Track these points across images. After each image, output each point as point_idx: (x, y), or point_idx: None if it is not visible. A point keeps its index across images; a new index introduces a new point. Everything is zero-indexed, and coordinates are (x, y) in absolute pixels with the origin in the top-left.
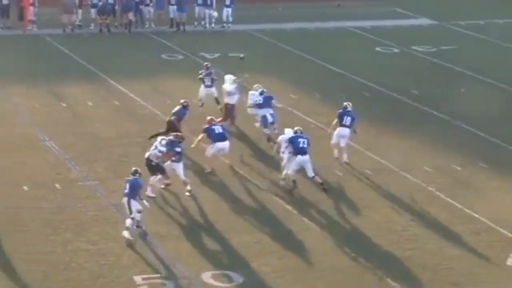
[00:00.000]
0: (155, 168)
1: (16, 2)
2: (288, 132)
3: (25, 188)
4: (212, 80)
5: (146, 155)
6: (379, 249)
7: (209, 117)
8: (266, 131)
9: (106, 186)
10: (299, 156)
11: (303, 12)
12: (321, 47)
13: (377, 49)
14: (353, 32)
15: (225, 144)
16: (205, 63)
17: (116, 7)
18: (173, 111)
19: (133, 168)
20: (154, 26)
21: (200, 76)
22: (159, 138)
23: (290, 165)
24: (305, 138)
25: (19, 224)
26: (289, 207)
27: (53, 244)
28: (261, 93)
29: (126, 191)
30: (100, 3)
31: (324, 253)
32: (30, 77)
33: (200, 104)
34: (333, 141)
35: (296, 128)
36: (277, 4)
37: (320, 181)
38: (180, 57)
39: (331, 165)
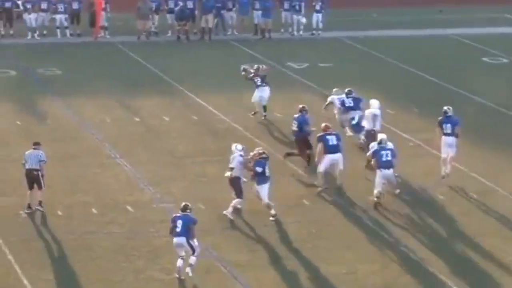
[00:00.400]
0: (235, 187)
1: (87, 7)
2: (373, 146)
3: (94, 210)
4: (265, 81)
5: (228, 174)
6: (491, 278)
7: (324, 124)
8: (361, 138)
9: None
10: (383, 170)
11: (400, 18)
12: (419, 56)
13: (484, 59)
14: (456, 40)
15: (338, 156)
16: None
17: (196, 12)
18: (294, 121)
19: (183, 204)
20: (236, 33)
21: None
22: (234, 144)
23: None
24: (389, 149)
25: (88, 249)
26: (383, 233)
27: (124, 273)
28: (348, 94)
29: (178, 229)
30: (178, 8)
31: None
32: (100, 88)
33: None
34: (442, 155)
35: (381, 137)
36: (369, 9)
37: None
38: (265, 67)
39: (435, 185)
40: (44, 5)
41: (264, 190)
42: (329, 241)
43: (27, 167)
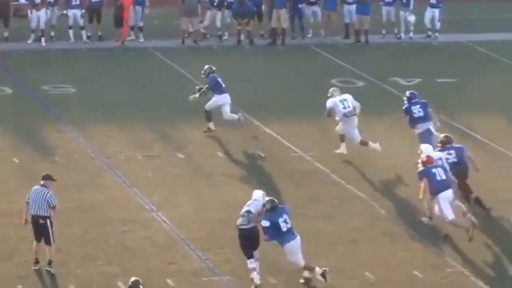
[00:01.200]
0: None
1: (116, 7)
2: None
3: (121, 285)
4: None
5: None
6: None
7: (424, 155)
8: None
9: (243, 283)
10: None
11: None
12: None
13: None
14: None
15: (449, 193)
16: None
17: (263, 6)
18: (450, 151)
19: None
20: (322, 34)
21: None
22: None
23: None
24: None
25: None
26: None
27: None
28: (410, 98)
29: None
30: (236, 0)
31: None
32: (128, 112)
33: None
34: None
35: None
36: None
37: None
38: (360, 83)
39: None
40: None
41: (294, 249)
42: None
43: (31, 211)
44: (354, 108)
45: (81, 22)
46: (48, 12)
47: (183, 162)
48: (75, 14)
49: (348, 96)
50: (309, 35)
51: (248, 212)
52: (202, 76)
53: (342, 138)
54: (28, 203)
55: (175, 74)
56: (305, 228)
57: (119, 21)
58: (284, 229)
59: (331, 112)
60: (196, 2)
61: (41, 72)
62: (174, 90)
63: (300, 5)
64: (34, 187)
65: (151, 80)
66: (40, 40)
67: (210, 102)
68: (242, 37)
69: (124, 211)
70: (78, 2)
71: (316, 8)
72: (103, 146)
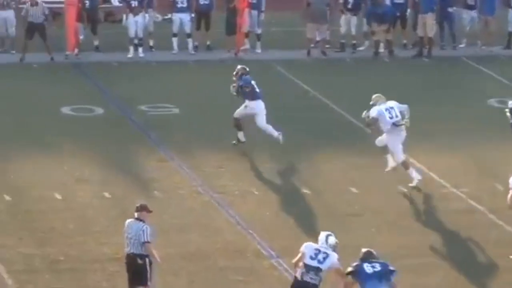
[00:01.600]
0: None
1: (228, 10)
2: None
3: None
4: None
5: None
6: None
7: None
8: None
9: None
10: None
11: None
12: None
13: None
14: None
15: None
16: None
17: (409, 10)
18: None
19: None
20: (479, 44)
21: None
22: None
23: None
24: None
25: None
26: None
27: None
28: None
29: None
30: (371, 1)
31: None
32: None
33: None
34: None
35: None
36: None
37: None
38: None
39: None
40: None
41: None
42: None
43: (126, 249)
44: (402, 113)
45: (188, 28)
46: (147, 16)
47: (309, 199)
48: (181, 18)
49: (394, 103)
50: (462, 45)
51: (317, 269)
52: (234, 79)
53: (405, 165)
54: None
55: (299, 91)
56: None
57: (231, 27)
58: None
59: (374, 123)
60: (324, 4)
61: (138, 88)
62: (299, 111)
63: (449, 9)
64: (128, 221)
65: (272, 99)
66: (137, 50)
67: (240, 109)
68: (381, 47)
69: (238, 258)
70: (185, 4)
71: (473, 13)
72: (212, 179)
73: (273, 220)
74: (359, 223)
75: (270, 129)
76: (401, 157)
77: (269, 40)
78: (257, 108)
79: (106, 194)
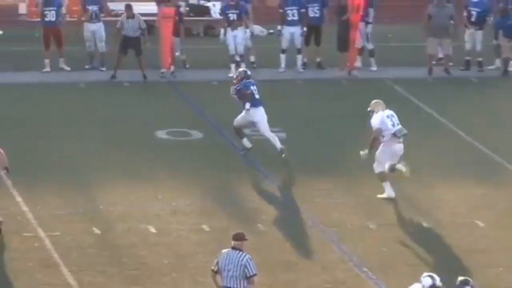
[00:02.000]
0: None
1: (336, 11)
2: None
3: None
4: None
5: None
6: None
7: None
8: None
9: None
10: None
11: None
12: None
13: None
14: None
15: None
16: None
17: None
18: None
19: None
20: None
21: None
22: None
23: None
24: None
25: None
26: None
27: None
28: None
29: None
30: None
31: None
32: (356, 164)
33: None
34: None
35: None
36: None
37: None
38: None
39: None
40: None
41: None
42: None
43: (222, 283)
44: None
45: (299, 43)
46: (248, 31)
47: (427, 233)
48: (292, 33)
49: (392, 112)
50: None
51: None
52: (234, 81)
53: (381, 177)
54: (215, 272)
55: (420, 114)
56: None
57: (343, 43)
58: None
59: (381, 133)
60: (447, 17)
61: (240, 110)
62: (423, 138)
63: None
64: (223, 251)
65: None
66: (238, 68)
67: (239, 117)
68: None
69: None
70: (297, 17)
71: None
72: (322, 211)
73: (390, 257)
74: (484, 260)
75: (275, 139)
76: (381, 169)
77: (384, 56)
78: (256, 115)
79: (205, 227)
